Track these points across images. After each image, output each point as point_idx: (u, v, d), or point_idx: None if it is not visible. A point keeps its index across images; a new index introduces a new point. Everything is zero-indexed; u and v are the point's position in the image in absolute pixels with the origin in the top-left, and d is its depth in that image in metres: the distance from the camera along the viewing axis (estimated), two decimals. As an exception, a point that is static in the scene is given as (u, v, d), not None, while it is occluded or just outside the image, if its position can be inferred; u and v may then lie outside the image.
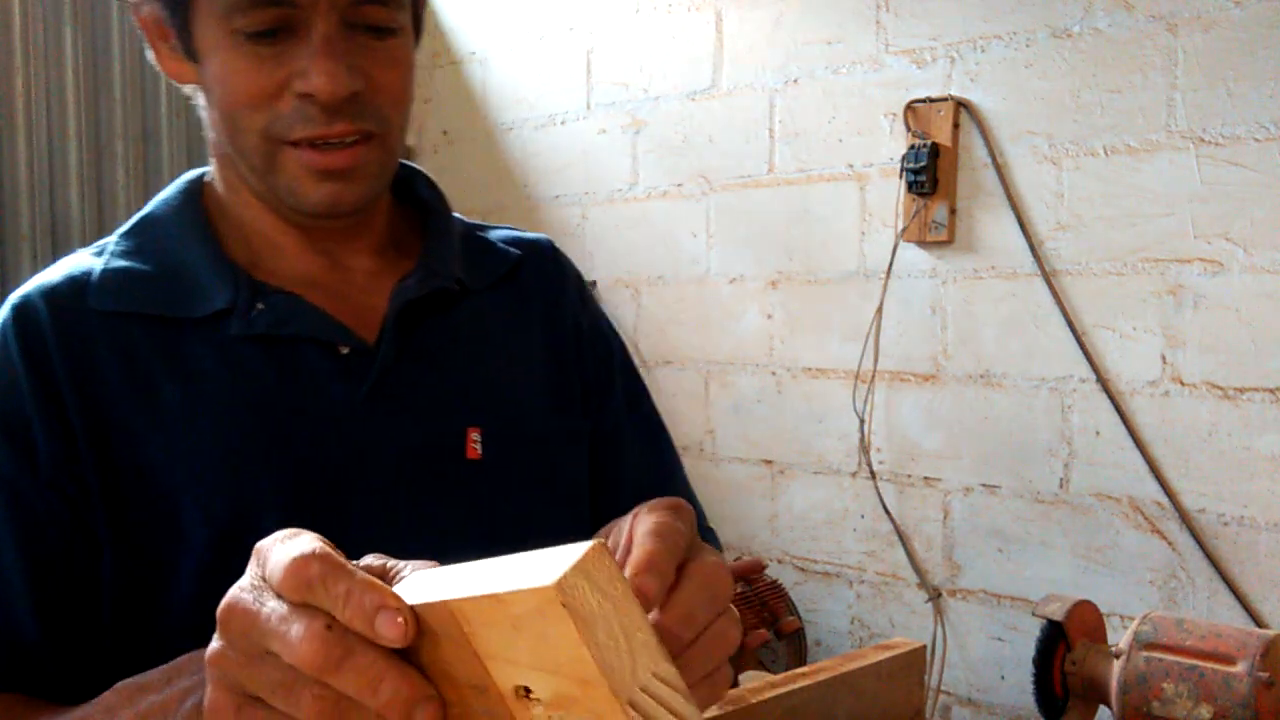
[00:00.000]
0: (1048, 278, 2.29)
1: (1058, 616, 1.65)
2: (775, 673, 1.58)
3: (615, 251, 3.05)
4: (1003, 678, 2.42)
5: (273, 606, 0.47)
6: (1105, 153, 2.21)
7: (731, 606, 0.56)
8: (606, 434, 0.98)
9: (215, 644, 0.50)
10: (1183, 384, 2.15)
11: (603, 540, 0.47)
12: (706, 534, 1.04)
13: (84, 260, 0.85)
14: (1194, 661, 1.45)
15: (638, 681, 0.44)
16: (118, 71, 2.99)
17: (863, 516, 2.62)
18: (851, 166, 2.58)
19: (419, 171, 0.98)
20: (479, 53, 3.37)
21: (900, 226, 2.47)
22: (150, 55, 0.86)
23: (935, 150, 2.39)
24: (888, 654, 1.08)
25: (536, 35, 3.19)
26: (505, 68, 3.29)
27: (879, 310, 2.54)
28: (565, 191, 3.15)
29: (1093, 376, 2.25)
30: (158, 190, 0.92)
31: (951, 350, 2.45)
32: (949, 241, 2.42)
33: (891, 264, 2.50)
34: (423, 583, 0.48)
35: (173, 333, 0.81)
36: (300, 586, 0.47)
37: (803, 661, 2.54)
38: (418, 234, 0.95)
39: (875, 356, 2.55)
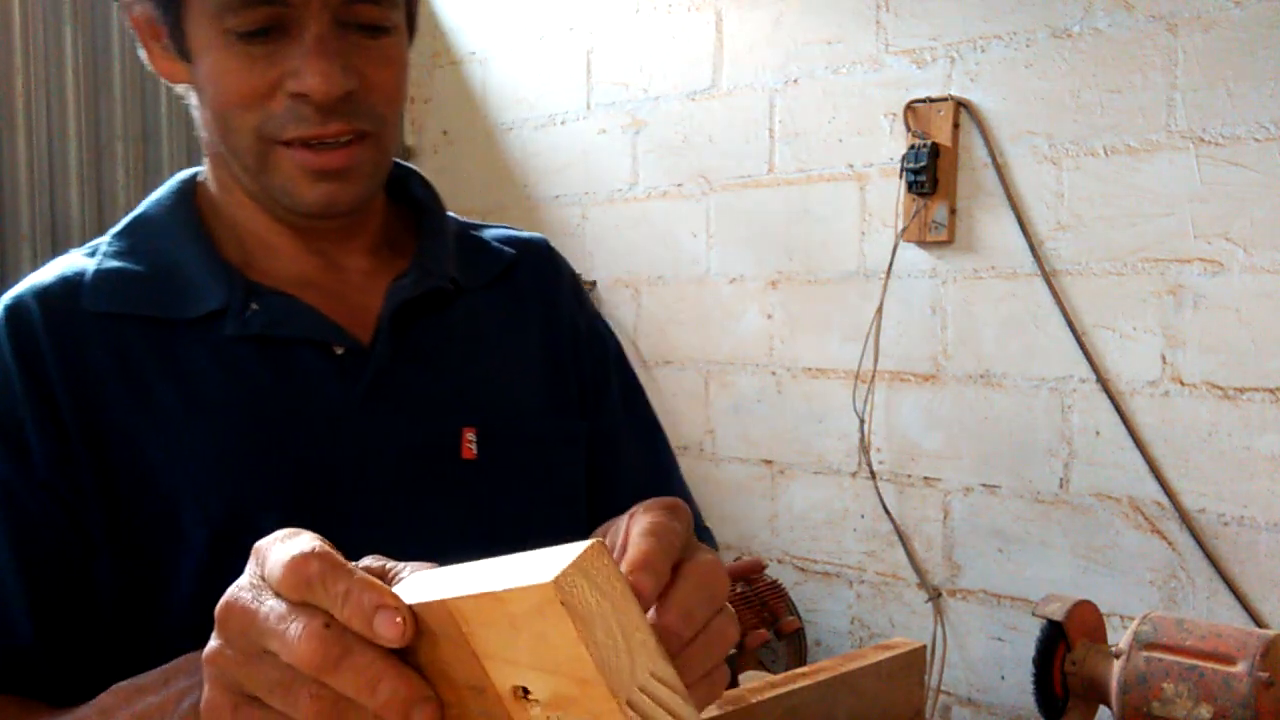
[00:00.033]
0: (1048, 278, 2.29)
1: (1058, 616, 1.65)
2: (775, 673, 1.58)
3: (615, 251, 3.05)
4: (1003, 678, 2.42)
5: (271, 605, 0.47)
6: (1105, 153, 2.21)
7: (728, 605, 0.56)
8: (603, 434, 0.97)
9: (213, 643, 0.50)
10: (1183, 384, 2.15)
11: (601, 539, 0.47)
12: (703, 534, 1.04)
13: (77, 261, 0.85)
14: (1194, 661, 1.45)
15: (636, 681, 0.44)
16: (118, 71, 2.99)
17: (863, 516, 2.62)
18: (851, 166, 2.58)
19: (413, 171, 0.98)
20: (479, 53, 3.37)
21: (900, 226, 2.47)
22: (143, 55, 0.86)
23: (935, 150, 2.39)
24: (888, 654, 1.08)
25: (536, 35, 3.19)
26: (505, 68, 3.29)
27: (879, 310, 2.54)
28: (565, 191, 3.15)
29: (1093, 376, 2.25)
30: (157, 190, 0.92)
31: (951, 350, 2.45)
32: (949, 241, 2.42)
33: (891, 264, 2.50)
34: (421, 583, 0.48)
35: (167, 334, 0.81)
36: (299, 585, 0.46)
37: (803, 661, 2.54)
38: (412, 233, 0.94)
39: (875, 356, 2.55)
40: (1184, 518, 2.15)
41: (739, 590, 2.47)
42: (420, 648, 0.47)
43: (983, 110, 2.36)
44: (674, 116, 2.90)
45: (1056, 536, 2.32)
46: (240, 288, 0.82)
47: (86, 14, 2.94)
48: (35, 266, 0.87)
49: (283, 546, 0.48)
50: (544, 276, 1.00)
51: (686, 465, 2.89)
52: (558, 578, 0.42)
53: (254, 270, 0.85)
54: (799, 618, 2.57)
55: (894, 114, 2.48)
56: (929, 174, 2.38)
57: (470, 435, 0.86)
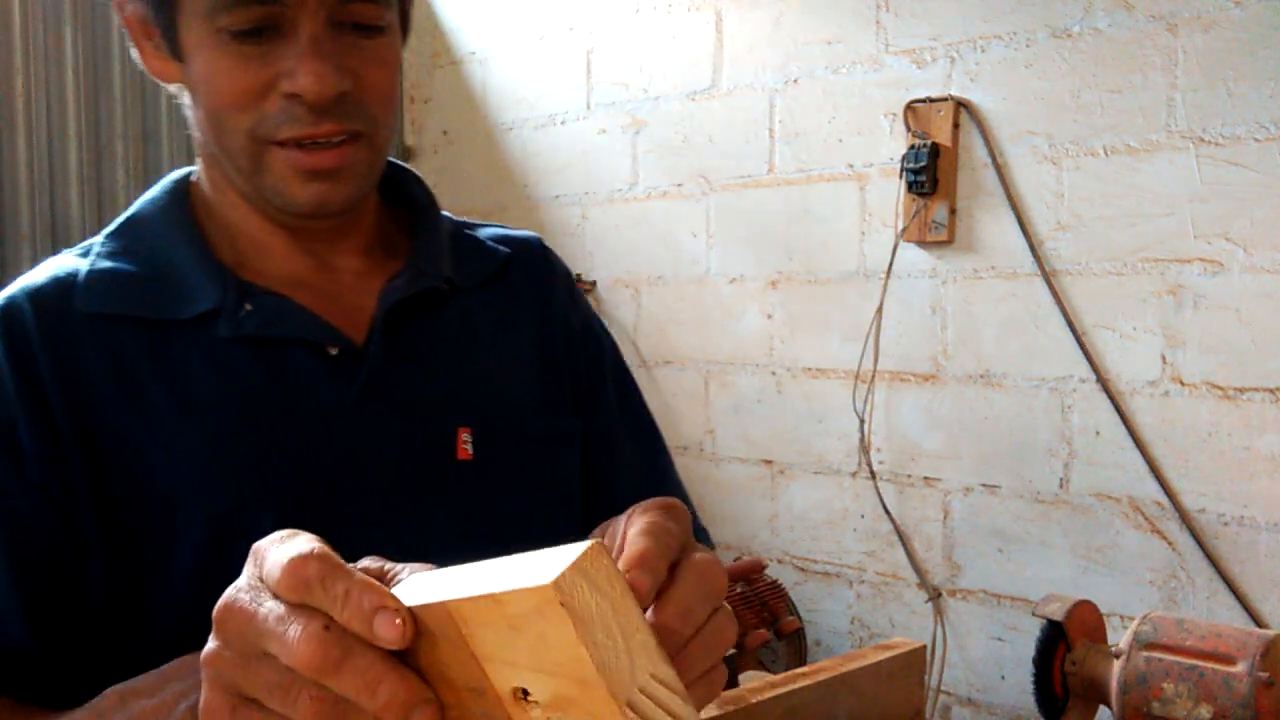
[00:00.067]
0: (1048, 278, 2.29)
1: (1058, 616, 1.65)
2: (775, 673, 1.58)
3: (615, 251, 3.05)
4: (1003, 678, 2.42)
5: (270, 607, 0.47)
6: (1105, 153, 2.21)
7: (726, 604, 0.56)
8: (598, 434, 0.97)
9: (211, 645, 0.49)
10: (1183, 384, 2.15)
11: (600, 540, 0.47)
12: (699, 534, 1.03)
13: (69, 261, 0.84)
14: (1194, 661, 1.45)
15: (636, 683, 0.44)
16: (118, 71, 2.99)
17: (863, 516, 2.62)
18: (851, 166, 2.58)
19: (407, 170, 0.98)
20: (479, 53, 3.37)
21: (900, 226, 2.47)
22: (135, 54, 0.85)
23: (935, 150, 2.39)
24: (888, 654, 1.08)
25: (536, 35, 3.19)
26: (505, 68, 3.29)
27: (879, 310, 2.54)
28: (565, 191, 3.15)
29: (1093, 376, 2.25)
30: (157, 190, 0.92)
31: (951, 350, 2.45)
32: (949, 241, 2.42)
33: (891, 264, 2.50)
34: (420, 584, 0.48)
35: (160, 334, 0.81)
36: (298, 586, 0.46)
37: (803, 661, 2.54)
38: (406, 233, 0.94)
39: (875, 356, 2.55)
40: (1184, 518, 2.15)
41: (739, 590, 2.47)
42: (420, 649, 0.47)
43: (983, 110, 2.36)
44: (674, 116, 2.90)
45: (1056, 536, 2.32)
46: (234, 288, 0.82)
47: (86, 14, 2.94)
48: (35, 266, 0.86)
49: (281, 548, 0.48)
50: (538, 275, 1.00)
51: (686, 465, 2.90)
52: (557, 579, 0.42)
53: (247, 270, 0.85)
54: (799, 618, 2.57)
55: (894, 114, 2.48)
56: (929, 174, 2.38)
57: (465, 435, 0.86)
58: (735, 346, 2.83)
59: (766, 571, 2.59)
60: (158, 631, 0.76)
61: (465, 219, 1.01)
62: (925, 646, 1.15)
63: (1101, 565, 2.26)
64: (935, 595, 2.50)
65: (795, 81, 2.66)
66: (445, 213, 0.98)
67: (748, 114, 2.75)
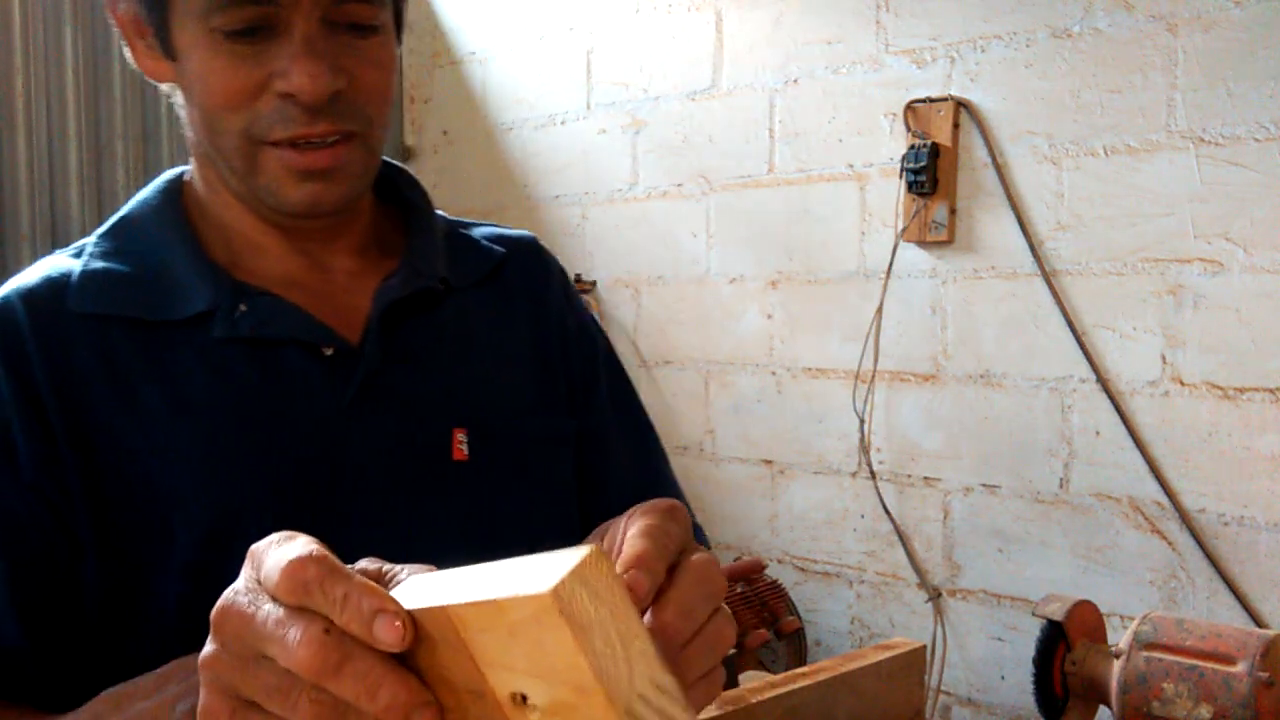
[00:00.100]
0: (1048, 278, 2.29)
1: (1058, 616, 1.65)
2: (775, 673, 1.58)
3: (615, 251, 3.05)
4: (1003, 678, 2.42)
5: (269, 610, 0.47)
6: (1105, 153, 2.21)
7: (725, 606, 0.56)
8: (593, 433, 0.97)
9: (209, 647, 0.49)
10: (1183, 384, 2.15)
11: (601, 546, 0.46)
12: (695, 532, 1.03)
13: (62, 262, 0.84)
14: (1194, 661, 1.45)
15: (635, 690, 0.43)
16: (118, 71, 2.99)
17: (863, 516, 2.62)
18: (851, 166, 2.58)
19: (401, 170, 0.97)
20: (479, 53, 3.37)
21: (900, 226, 2.47)
22: (127, 53, 0.85)
23: (935, 150, 2.39)
24: (888, 654, 1.08)
25: (536, 35, 3.19)
26: (505, 68, 3.29)
27: (879, 310, 2.54)
28: (565, 191, 3.15)
29: (1093, 376, 2.25)
30: (157, 190, 0.91)
31: (951, 350, 2.45)
32: (949, 241, 2.42)
33: (891, 264, 2.50)
34: (420, 587, 0.48)
35: (153, 335, 0.80)
36: (297, 589, 0.46)
37: (803, 661, 2.54)
38: (401, 233, 0.93)
39: (875, 356, 2.55)
40: (1184, 518, 2.15)
41: (739, 590, 2.47)
42: (419, 652, 0.46)
43: (983, 110, 2.36)
44: (674, 116, 2.90)
45: (1056, 536, 2.32)
46: (228, 289, 0.82)
47: (86, 14, 2.94)
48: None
49: (279, 550, 0.48)
50: (533, 275, 0.99)
51: (686, 465, 2.90)
52: (556, 587, 0.41)
53: (241, 271, 0.84)
54: (799, 618, 2.57)
55: (894, 114, 2.48)
56: (929, 174, 2.38)
57: (461, 436, 0.86)
58: (735, 346, 2.83)
59: (766, 571, 2.59)
60: (153, 632, 0.76)
61: (460, 218, 1.01)
62: (925, 646, 1.15)
63: (1101, 565, 2.26)
64: (935, 595, 2.50)
65: (795, 81, 2.66)
66: (440, 212, 0.98)
67: (748, 114, 2.75)
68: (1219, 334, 2.10)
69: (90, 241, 0.86)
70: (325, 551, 0.47)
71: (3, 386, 0.77)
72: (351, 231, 0.90)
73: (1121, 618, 2.19)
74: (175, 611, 0.76)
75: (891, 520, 2.56)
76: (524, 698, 0.45)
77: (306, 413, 0.81)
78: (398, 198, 0.96)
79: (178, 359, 0.80)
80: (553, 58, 3.15)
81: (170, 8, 0.78)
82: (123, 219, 0.88)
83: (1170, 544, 2.18)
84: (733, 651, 2.23)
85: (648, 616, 0.51)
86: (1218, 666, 1.43)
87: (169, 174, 0.91)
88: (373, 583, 0.47)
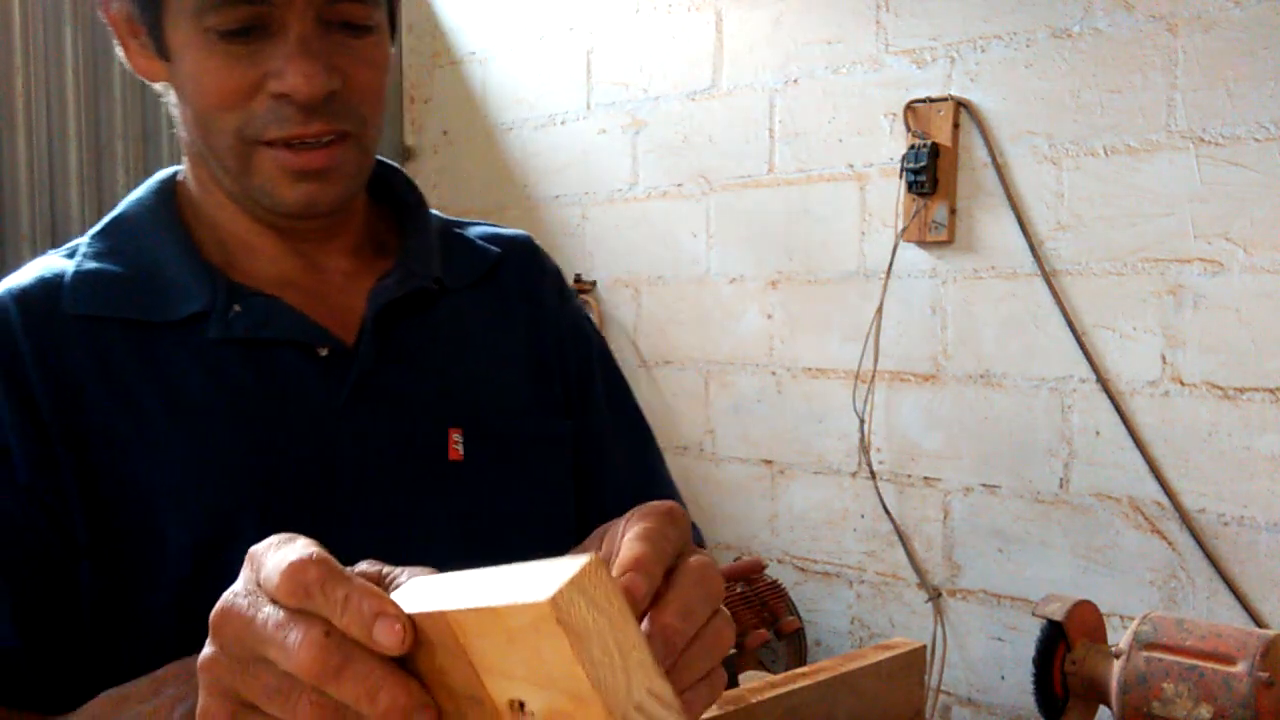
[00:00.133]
0: (1048, 278, 2.29)
1: (1058, 616, 1.65)
2: (775, 673, 1.58)
3: (615, 251, 3.05)
4: (1003, 678, 2.42)
5: (268, 612, 0.47)
6: (1105, 153, 2.21)
7: (724, 607, 0.55)
8: (589, 434, 0.97)
9: (208, 650, 0.49)
10: (1183, 384, 2.15)
11: (600, 555, 0.46)
12: (693, 532, 1.03)
13: (55, 263, 0.84)
14: (1194, 661, 1.45)
15: (632, 699, 0.43)
16: (118, 71, 2.99)
17: (863, 516, 2.62)
18: (851, 166, 2.58)
19: (396, 169, 0.97)
20: (479, 53, 3.37)
21: (900, 226, 2.47)
22: (120, 53, 0.85)
23: (935, 150, 2.39)
24: (888, 654, 1.08)
25: (536, 35, 3.19)
26: (505, 68, 3.29)
27: (879, 310, 2.54)
28: (565, 191, 3.15)
29: (1093, 376, 2.25)
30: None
31: (951, 350, 2.45)
32: (949, 241, 2.42)
33: (891, 264, 2.50)
34: (420, 590, 0.48)
35: (148, 336, 0.80)
36: (297, 591, 0.46)
37: (803, 661, 2.54)
38: (395, 233, 0.93)
39: (875, 356, 2.55)
40: (1184, 518, 2.15)
41: (739, 590, 2.47)
42: (419, 656, 0.46)
43: (983, 110, 2.36)
44: (674, 116, 2.90)
45: (1056, 536, 2.32)
46: (223, 289, 0.81)
47: (86, 14, 2.94)
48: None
49: (279, 552, 0.48)
50: (528, 275, 0.99)
51: (686, 465, 2.90)
52: (554, 596, 0.41)
53: (235, 271, 0.84)
54: (799, 618, 2.57)
55: (894, 114, 2.48)
56: (929, 174, 2.38)
57: (456, 436, 0.85)
58: (735, 346, 2.83)
59: (766, 571, 2.60)
60: (148, 633, 0.76)
61: (454, 218, 1.01)
62: (925, 646, 1.15)
63: (1101, 565, 2.26)
64: (935, 595, 2.50)
65: (795, 81, 2.66)
66: (434, 211, 0.97)
67: (748, 114, 2.75)
68: (1219, 334, 2.10)
69: (83, 242, 0.86)
70: (325, 554, 0.47)
71: None
72: (346, 231, 0.90)
73: (1121, 618, 2.19)
74: (171, 612, 0.76)
75: (891, 520, 2.56)
76: (522, 705, 0.45)
77: (301, 413, 0.81)
78: (392, 197, 0.96)
79: (172, 360, 0.80)
80: (553, 58, 3.15)
81: (164, 7, 0.78)
82: (116, 219, 0.87)
83: (1170, 544, 2.18)
84: (733, 652, 2.23)
85: (646, 620, 0.51)
86: (1218, 666, 1.43)
87: (162, 174, 0.90)
88: (373, 586, 0.47)
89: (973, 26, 2.36)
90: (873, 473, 2.58)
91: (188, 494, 0.77)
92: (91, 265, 0.83)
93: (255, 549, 0.50)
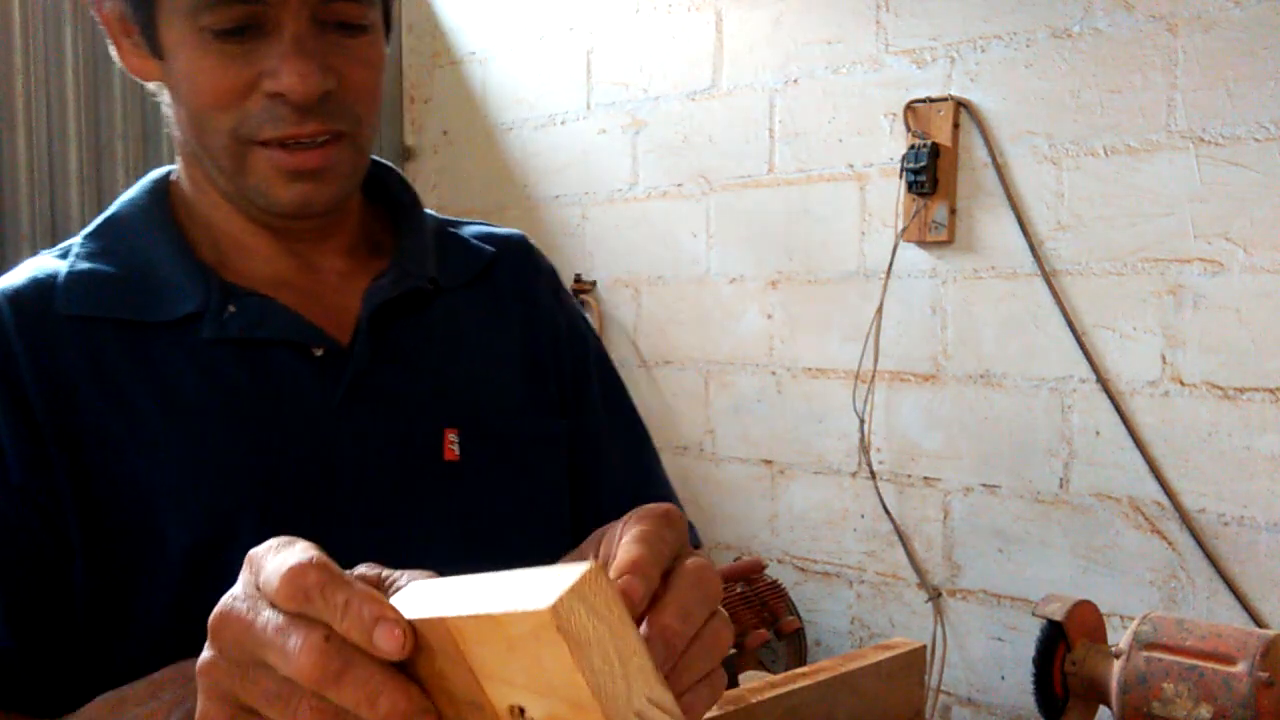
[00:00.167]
0: (1048, 278, 2.29)
1: (1058, 616, 1.65)
2: (775, 673, 1.58)
3: (615, 251, 3.05)
4: (1003, 678, 2.42)
5: (268, 616, 0.47)
6: (1105, 153, 2.21)
7: (721, 609, 0.55)
8: (585, 434, 0.97)
9: (207, 653, 0.49)
10: (1183, 384, 2.15)
11: (600, 562, 0.46)
12: (689, 533, 1.02)
13: (48, 263, 0.83)
14: (1194, 661, 1.45)
15: (633, 707, 0.44)
16: (118, 71, 2.97)
17: (863, 516, 2.62)
18: (851, 166, 2.58)
19: (390, 169, 0.97)
20: (479, 53, 3.37)
21: (900, 226, 2.48)
22: (113, 52, 0.85)
23: (935, 150, 2.39)
24: (888, 654, 1.08)
25: (536, 35, 3.19)
26: (505, 68, 3.29)
27: (879, 310, 2.54)
28: (565, 191, 3.15)
29: (1093, 376, 2.25)
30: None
31: (951, 350, 2.45)
32: (949, 241, 2.42)
33: (891, 264, 2.50)
34: (420, 595, 0.48)
35: (142, 336, 0.80)
36: (297, 596, 0.46)
37: (803, 661, 2.54)
38: (390, 232, 0.93)
39: (875, 356, 2.55)
40: (1184, 518, 2.15)
41: (739, 590, 2.47)
42: (419, 661, 0.46)
43: (983, 110, 2.36)
44: (674, 116, 2.90)
45: (1056, 536, 2.32)
46: (217, 289, 0.81)
47: (86, 14, 2.94)
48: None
49: (278, 556, 0.48)
50: (523, 274, 0.99)
51: (686, 465, 2.90)
52: (555, 604, 0.41)
53: (229, 271, 0.84)
54: (799, 618, 2.57)
55: (894, 114, 2.48)
56: (929, 174, 2.38)
57: (452, 436, 0.85)
58: (735, 346, 2.83)
59: (766, 571, 2.60)
60: (144, 633, 0.76)
61: (449, 217, 1.00)
62: (925, 646, 1.15)
63: (1101, 565, 2.27)
64: (935, 595, 2.50)
65: (795, 81, 2.66)
66: (429, 211, 0.97)
67: (748, 114, 2.75)
68: (1219, 334, 2.10)
69: (76, 242, 0.85)
70: (325, 558, 0.47)
71: None
72: (341, 231, 0.89)
73: (1121, 618, 2.19)
74: (167, 612, 0.75)
75: (891, 520, 2.56)
76: (522, 711, 0.45)
77: (297, 414, 0.81)
78: (386, 197, 0.95)
79: (167, 360, 0.80)
80: (553, 58, 3.15)
81: (157, 5, 0.78)
82: (109, 219, 0.87)
83: (1170, 544, 2.18)
84: (732, 652, 2.23)
85: (645, 622, 0.51)
86: (1218, 666, 1.43)
87: (155, 174, 0.90)
88: (373, 590, 0.46)
89: (973, 26, 2.36)
90: (873, 473, 2.58)
91: (186, 494, 0.77)
92: (85, 265, 0.82)
93: (254, 552, 0.49)
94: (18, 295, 0.80)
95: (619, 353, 3.04)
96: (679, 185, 2.90)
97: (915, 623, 2.53)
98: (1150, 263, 2.17)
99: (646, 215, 2.98)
